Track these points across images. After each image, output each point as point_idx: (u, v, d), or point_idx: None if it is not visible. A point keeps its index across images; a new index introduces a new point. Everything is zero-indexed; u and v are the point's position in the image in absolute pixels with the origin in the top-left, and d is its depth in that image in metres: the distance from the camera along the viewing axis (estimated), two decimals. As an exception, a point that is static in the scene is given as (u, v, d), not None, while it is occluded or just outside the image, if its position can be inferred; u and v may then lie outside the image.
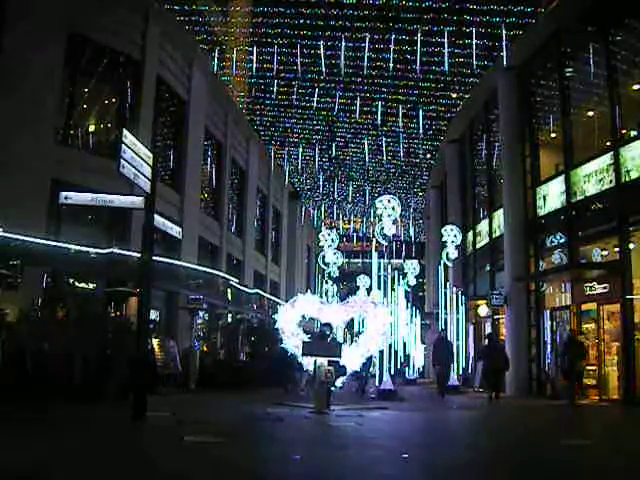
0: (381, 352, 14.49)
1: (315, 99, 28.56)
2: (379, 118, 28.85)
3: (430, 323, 27.55)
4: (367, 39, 23.72)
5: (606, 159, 14.77)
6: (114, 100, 18.70)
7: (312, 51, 25.32)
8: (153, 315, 17.49)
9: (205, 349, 19.49)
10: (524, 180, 18.71)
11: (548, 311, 17.49)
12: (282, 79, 28.01)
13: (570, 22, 16.31)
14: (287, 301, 15.16)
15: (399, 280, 22.07)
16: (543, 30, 17.61)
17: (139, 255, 9.68)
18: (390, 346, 15.92)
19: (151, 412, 8.48)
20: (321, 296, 18.39)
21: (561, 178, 16.76)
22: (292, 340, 12.82)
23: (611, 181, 14.50)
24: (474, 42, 21.62)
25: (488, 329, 21.71)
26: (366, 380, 16.31)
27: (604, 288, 14.75)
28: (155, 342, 15.70)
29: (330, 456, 6.26)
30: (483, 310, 21.54)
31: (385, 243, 15.87)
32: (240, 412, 10.99)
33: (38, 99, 14.68)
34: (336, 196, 41.87)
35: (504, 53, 19.85)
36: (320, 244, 21.97)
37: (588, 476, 5.54)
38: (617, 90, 14.86)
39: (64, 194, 10.66)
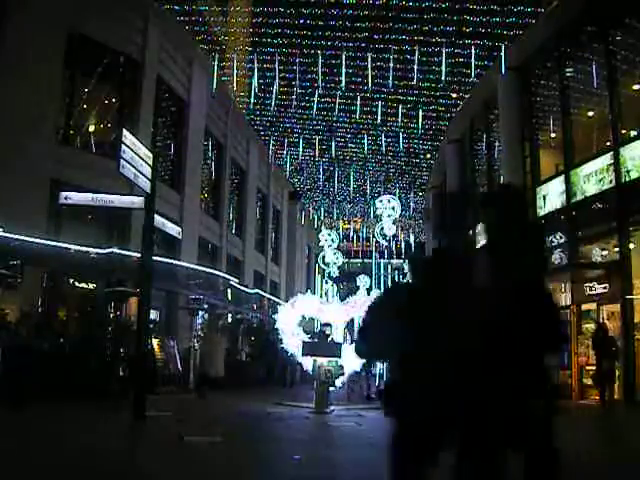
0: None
1: (315, 99, 28.57)
2: (379, 118, 28.85)
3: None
4: (367, 39, 23.72)
5: (606, 159, 14.76)
6: (114, 100, 18.70)
7: (312, 51, 25.32)
8: (153, 315, 17.48)
9: (205, 349, 19.47)
10: (524, 180, 18.68)
11: (548, 311, 17.46)
12: (282, 79, 28.01)
13: (570, 22, 16.30)
14: (287, 301, 15.15)
15: (399, 280, 22.05)
16: (543, 30, 17.60)
17: (139, 255, 9.69)
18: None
19: (151, 412, 8.49)
20: (321, 296, 18.39)
21: (561, 178, 16.75)
22: (292, 340, 12.82)
23: (611, 181, 14.50)
24: (474, 42, 21.62)
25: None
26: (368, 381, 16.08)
27: (604, 288, 14.74)
28: (155, 342, 15.71)
29: (330, 456, 6.26)
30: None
31: (385, 243, 15.86)
32: (240, 412, 10.99)
33: (38, 99, 14.67)
34: (336, 196, 41.87)
35: (504, 53, 19.85)
36: (320, 244, 21.97)
37: (588, 476, 5.54)
38: (617, 90, 14.86)
39: (64, 194, 10.69)
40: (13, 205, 13.07)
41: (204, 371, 14.04)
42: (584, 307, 15.76)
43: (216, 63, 24.78)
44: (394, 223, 15.64)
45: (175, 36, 20.85)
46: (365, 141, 32.68)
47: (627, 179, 14.00)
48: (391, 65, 24.97)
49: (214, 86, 23.31)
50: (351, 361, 12.53)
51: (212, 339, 14.45)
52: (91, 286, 16.96)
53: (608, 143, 15.08)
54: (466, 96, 25.23)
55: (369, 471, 5.48)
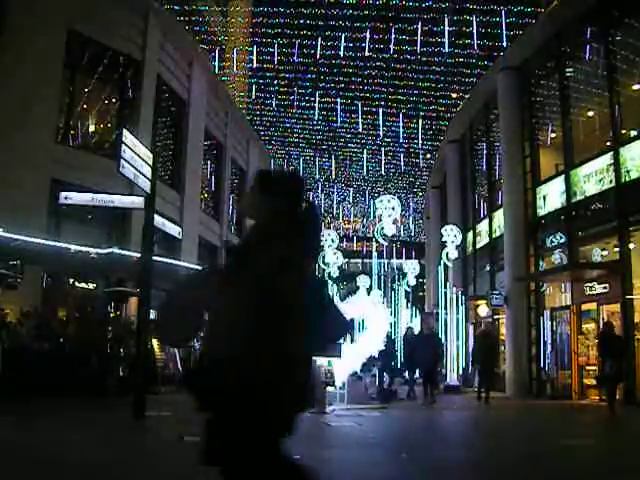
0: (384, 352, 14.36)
1: (315, 99, 28.59)
2: (379, 118, 28.88)
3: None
4: (367, 39, 23.72)
5: (606, 159, 14.77)
6: (114, 100, 18.70)
7: (312, 51, 25.33)
8: (153, 315, 17.47)
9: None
10: (524, 180, 18.70)
11: (548, 311, 17.48)
12: (282, 79, 28.03)
13: (570, 22, 16.31)
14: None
15: (399, 280, 22.08)
16: (543, 30, 17.61)
17: (139, 255, 9.69)
18: (391, 346, 15.85)
19: (151, 412, 8.49)
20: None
21: (561, 178, 16.76)
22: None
23: (611, 181, 14.50)
24: (474, 42, 21.63)
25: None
26: (391, 381, 15.08)
27: (604, 288, 14.74)
28: (155, 342, 15.69)
29: (330, 456, 6.26)
30: (483, 310, 21.53)
31: (385, 243, 15.83)
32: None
33: (38, 98, 14.67)
34: (336, 196, 41.91)
35: (504, 53, 19.85)
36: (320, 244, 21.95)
37: (587, 476, 5.53)
38: (617, 90, 14.86)
39: (64, 194, 10.69)
40: (13, 205, 13.07)
41: None
42: (584, 307, 15.77)
43: (216, 63, 24.80)
44: (394, 223, 15.62)
45: (175, 36, 20.84)
46: (365, 141, 32.71)
47: (627, 179, 14.00)
48: (391, 65, 25.01)
49: (214, 87, 23.31)
50: (350, 362, 12.52)
51: None
52: (91, 286, 16.95)
53: (608, 143, 15.09)
54: (466, 96, 25.24)
55: (369, 471, 5.48)
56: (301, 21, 26.63)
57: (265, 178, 2.59)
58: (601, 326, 13.70)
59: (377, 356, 14.21)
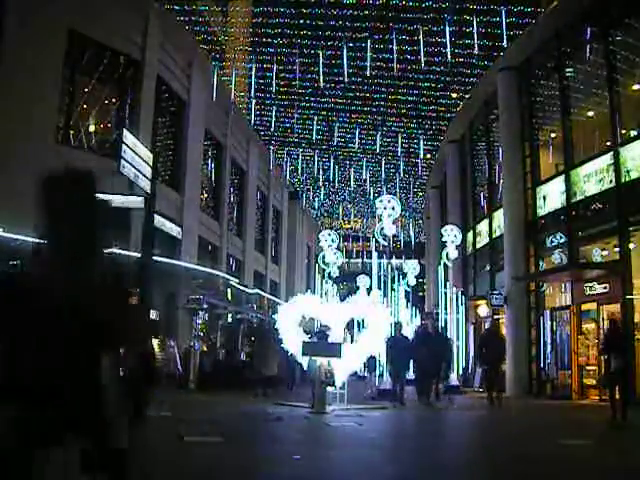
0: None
1: (315, 99, 28.59)
2: (379, 118, 28.88)
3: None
4: (367, 39, 23.72)
5: (606, 159, 14.78)
6: (114, 100, 18.70)
7: (312, 51, 25.34)
8: (153, 315, 17.47)
9: (205, 349, 19.48)
10: (524, 180, 18.72)
11: (548, 311, 17.49)
12: (282, 79, 28.03)
13: (570, 22, 16.31)
14: (287, 301, 15.15)
15: (399, 280, 22.08)
16: (543, 30, 17.62)
17: (139, 255, 9.70)
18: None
19: (151, 412, 8.49)
20: (321, 296, 18.37)
21: (561, 178, 16.77)
22: (292, 340, 12.80)
23: (611, 181, 14.52)
24: (474, 42, 21.62)
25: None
26: (402, 384, 13.83)
27: (604, 288, 14.75)
28: (155, 342, 15.70)
29: (330, 456, 6.27)
30: (483, 310, 21.53)
31: (385, 243, 15.83)
32: (240, 412, 10.99)
33: (38, 98, 14.67)
34: (336, 196, 41.90)
35: (504, 53, 19.85)
36: (320, 244, 21.96)
37: (587, 476, 5.54)
38: (617, 90, 14.87)
39: (64, 194, 10.66)
40: (13, 205, 13.05)
41: (259, 371, 15.16)
42: (584, 307, 15.78)
43: (216, 63, 24.80)
44: (394, 223, 15.63)
45: (175, 36, 20.83)
46: (365, 141, 32.70)
47: (627, 179, 14.02)
48: (391, 65, 24.99)
49: (214, 87, 23.33)
50: (350, 362, 12.51)
51: (265, 343, 15.54)
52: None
53: (608, 143, 15.10)
54: (466, 96, 25.24)
55: (369, 471, 5.48)
56: (301, 21, 26.66)
57: (47, 180, 2.52)
58: (606, 324, 13.52)
59: (389, 357, 13.87)
